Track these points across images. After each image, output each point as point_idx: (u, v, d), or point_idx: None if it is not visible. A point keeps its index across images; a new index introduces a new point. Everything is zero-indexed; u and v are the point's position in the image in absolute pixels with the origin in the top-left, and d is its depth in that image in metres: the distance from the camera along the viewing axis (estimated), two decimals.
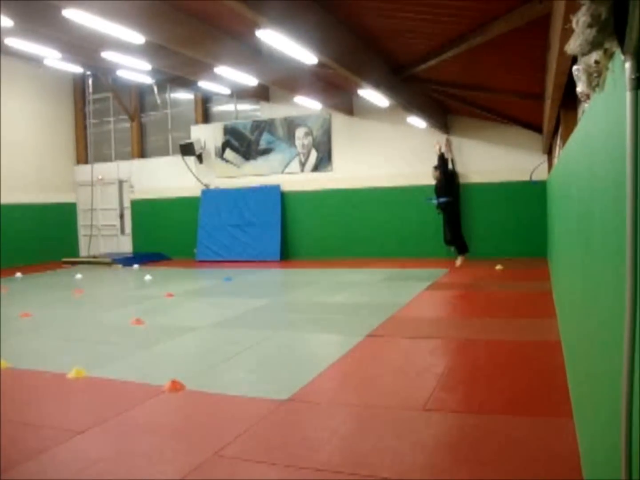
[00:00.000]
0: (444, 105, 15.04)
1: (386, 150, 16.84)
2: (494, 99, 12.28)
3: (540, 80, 8.78)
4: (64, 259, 19.00)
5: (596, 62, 2.08)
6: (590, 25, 1.83)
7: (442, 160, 11.66)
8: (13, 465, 3.91)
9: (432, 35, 8.41)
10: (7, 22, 9.10)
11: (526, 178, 15.23)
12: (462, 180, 16.11)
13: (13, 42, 11.86)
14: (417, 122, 14.76)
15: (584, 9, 1.86)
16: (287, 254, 17.71)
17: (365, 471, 3.65)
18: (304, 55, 8.36)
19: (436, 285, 11.48)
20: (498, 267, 13.56)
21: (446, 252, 16.12)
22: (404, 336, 7.34)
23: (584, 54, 2.08)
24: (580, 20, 1.89)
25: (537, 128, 13.99)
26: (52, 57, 14.01)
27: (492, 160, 15.76)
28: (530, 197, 15.21)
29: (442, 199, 11.45)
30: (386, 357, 6.55)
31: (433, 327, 7.86)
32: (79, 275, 15.18)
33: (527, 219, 15.34)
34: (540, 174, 14.93)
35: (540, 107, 10.61)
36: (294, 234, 17.90)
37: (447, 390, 5.21)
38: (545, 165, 15.03)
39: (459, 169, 16.11)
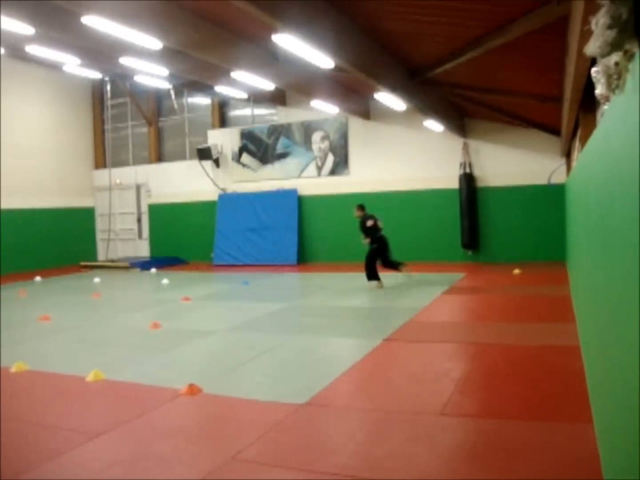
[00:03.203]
0: (461, 109, 14.98)
1: (403, 154, 16.80)
2: (511, 101, 12.21)
3: (559, 83, 8.72)
4: (83, 263, 19.17)
5: (616, 63, 2.05)
6: (610, 27, 1.81)
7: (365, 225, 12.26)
8: (32, 467, 3.94)
9: (449, 38, 8.38)
10: (28, 29, 9.21)
11: (544, 181, 15.14)
12: (479, 183, 16.03)
13: (34, 49, 12.00)
14: (433, 125, 14.71)
15: (603, 10, 1.84)
16: (304, 258, 17.72)
17: (382, 476, 3.63)
18: (321, 59, 8.36)
19: (453, 290, 11.42)
20: (516, 271, 13.46)
21: (463, 256, 16.05)
22: (420, 340, 7.30)
23: (603, 56, 2.06)
24: (600, 21, 1.87)
25: (555, 131, 13.90)
26: (72, 64, 14.15)
27: (509, 163, 15.66)
28: (548, 200, 15.09)
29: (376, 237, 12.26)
30: (403, 361, 6.52)
31: (450, 332, 7.82)
32: (97, 279, 15.29)
33: (545, 222, 15.22)
34: (559, 177, 14.83)
35: (558, 109, 10.54)
36: (311, 237, 17.90)
37: (465, 395, 5.18)
38: (564, 168, 14.91)
39: (477, 172, 16.04)
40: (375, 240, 12.21)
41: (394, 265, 12.53)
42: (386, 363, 6.46)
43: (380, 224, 12.28)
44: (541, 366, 5.98)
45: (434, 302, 10.05)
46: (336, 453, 4.03)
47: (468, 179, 15.86)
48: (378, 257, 12.27)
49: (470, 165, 16.02)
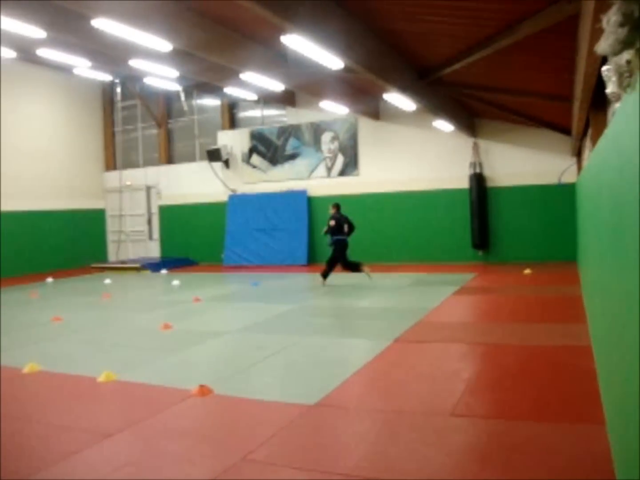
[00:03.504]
0: (471, 108, 14.95)
1: (413, 154, 16.78)
2: (521, 101, 12.18)
3: (569, 82, 8.69)
4: (93, 264, 19.26)
5: (627, 61, 2.04)
6: (622, 24, 1.80)
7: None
8: (46, 467, 3.96)
9: (459, 37, 8.37)
10: (40, 33, 9.28)
11: (554, 181, 15.08)
12: (489, 183, 15.99)
13: (45, 52, 12.08)
14: (443, 125, 14.68)
15: (615, 7, 1.83)
16: (314, 259, 17.72)
17: (393, 476, 3.62)
18: (330, 60, 8.37)
19: (464, 290, 11.39)
20: (527, 271, 13.42)
21: (473, 256, 16.01)
22: (431, 341, 7.29)
23: (614, 54, 2.05)
24: (611, 19, 1.86)
25: (565, 130, 13.84)
26: (82, 66, 14.22)
27: (519, 163, 15.61)
28: (559, 200, 15.03)
29: (335, 238, 12.84)
30: (414, 362, 6.50)
31: (461, 332, 7.80)
32: (107, 280, 15.36)
33: (555, 222, 15.16)
34: (569, 177, 14.77)
35: (569, 108, 10.49)
36: (321, 238, 17.85)
37: (476, 396, 5.16)
38: (574, 167, 14.85)
39: (487, 172, 16.00)
40: (333, 242, 12.80)
41: (353, 266, 12.94)
42: (397, 364, 6.45)
43: (345, 228, 12.84)
44: (552, 366, 5.95)
45: (445, 303, 10.02)
46: (347, 454, 4.02)
47: (478, 179, 15.81)
48: (338, 260, 12.82)
49: (480, 165, 15.98)
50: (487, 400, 5.09)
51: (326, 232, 12.85)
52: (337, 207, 13.09)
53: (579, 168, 13.79)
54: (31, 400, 5.60)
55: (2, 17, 8.44)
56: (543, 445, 4.00)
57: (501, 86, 11.30)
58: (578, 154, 14.19)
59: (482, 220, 15.82)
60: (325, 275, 12.72)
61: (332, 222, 12.68)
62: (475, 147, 16.01)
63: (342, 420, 4.78)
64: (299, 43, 7.59)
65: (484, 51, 8.22)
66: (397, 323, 8.33)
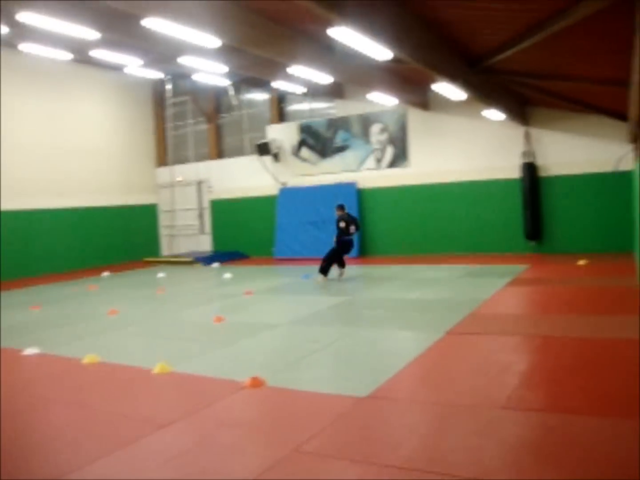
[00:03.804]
0: (522, 96, 14.64)
1: (463, 144, 16.56)
2: (575, 87, 11.86)
3: (626, 65, 8.40)
4: (147, 258, 19.66)
5: None
6: None
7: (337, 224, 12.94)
8: (105, 454, 4.09)
9: (509, 24, 8.18)
10: (94, 34, 9.51)
11: (610, 169, 14.65)
12: (542, 172, 15.64)
13: (98, 53, 12.37)
14: (494, 114, 14.43)
15: None
16: (364, 251, 17.70)
17: (446, 469, 3.60)
18: (378, 51, 8.31)
19: (517, 281, 11.21)
20: (581, 262, 13.11)
21: (526, 247, 15.73)
22: (484, 333, 7.20)
23: None
24: None
25: (622, 116, 13.42)
26: (133, 65, 14.49)
27: (574, 151, 15.22)
28: (615, 188, 14.61)
29: (343, 238, 12.87)
30: (466, 354, 6.44)
31: (514, 324, 7.68)
32: (161, 274, 15.66)
33: (612, 211, 14.74)
34: (626, 164, 14.34)
35: (625, 93, 10.17)
36: (372, 230, 17.86)
37: (529, 389, 5.09)
38: (631, 154, 14.41)
39: (539, 161, 15.66)
40: (340, 242, 12.87)
41: (341, 264, 13.07)
42: (449, 356, 6.40)
43: (352, 229, 12.93)
44: (608, 360, 5.81)
45: (497, 294, 9.89)
46: (399, 446, 4.02)
47: (530, 168, 15.50)
48: (337, 258, 12.94)
49: (532, 154, 15.66)
50: (541, 394, 5.01)
51: (338, 239, 12.85)
52: (342, 208, 13.15)
53: (637, 155, 13.38)
54: (90, 390, 5.78)
55: (59, 20, 8.68)
56: (599, 441, 3.92)
57: (553, 72, 11.03)
58: (635, 140, 13.76)
59: (534, 211, 15.51)
60: (325, 272, 12.74)
61: (343, 224, 12.77)
62: (527, 136, 15.68)
63: (394, 412, 4.78)
64: (346, 35, 7.56)
65: (536, 37, 8.02)
66: (449, 315, 8.26)
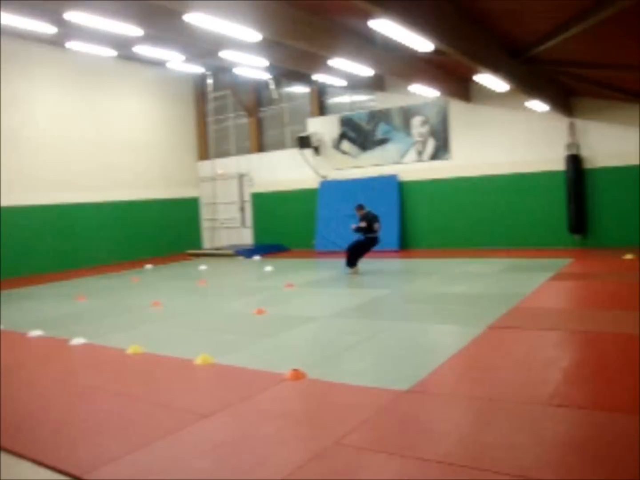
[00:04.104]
0: (567, 87, 14.35)
1: (505, 136, 16.32)
2: (621, 75, 11.56)
3: None
4: (189, 251, 19.91)
5: None
6: None
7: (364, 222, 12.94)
8: (148, 443, 4.17)
9: (553, 12, 8.01)
10: (137, 31, 9.67)
11: None
12: (587, 164, 15.32)
13: (141, 49, 12.56)
14: (537, 105, 14.18)
15: None
16: (405, 244, 17.61)
17: (487, 465, 3.58)
18: (420, 42, 8.25)
19: (560, 276, 11.02)
20: (627, 256, 12.81)
21: (570, 240, 15.44)
22: (526, 328, 7.11)
23: None
24: None
25: None
26: (175, 60, 14.66)
27: (621, 142, 14.84)
28: None
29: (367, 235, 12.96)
30: (508, 349, 6.37)
31: (557, 319, 7.56)
32: (203, 267, 15.84)
33: None
34: None
35: None
36: (413, 223, 17.75)
37: (573, 385, 5.01)
38: None
39: (585, 152, 15.33)
40: (367, 239, 12.94)
41: (354, 262, 13.04)
42: (491, 350, 6.34)
43: (376, 226, 12.96)
44: None
45: (540, 288, 9.74)
46: (440, 440, 4.01)
47: (575, 161, 15.19)
48: (363, 251, 13.05)
49: (577, 145, 15.34)
50: (585, 391, 4.92)
51: (356, 230, 12.96)
52: (362, 207, 13.21)
53: None
54: (135, 379, 5.89)
55: (104, 18, 8.86)
56: None
57: (599, 61, 10.77)
58: None
59: (579, 203, 15.21)
60: (354, 263, 12.86)
61: (364, 224, 12.81)
62: (572, 127, 15.36)
63: (435, 406, 4.76)
64: (387, 27, 7.52)
65: (582, 25, 7.84)
66: (491, 309, 8.18)
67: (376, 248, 16.91)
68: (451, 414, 4.56)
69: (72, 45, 13.06)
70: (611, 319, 7.32)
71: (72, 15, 8.64)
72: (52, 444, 4.31)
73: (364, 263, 13.05)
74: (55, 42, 15.36)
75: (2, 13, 9.21)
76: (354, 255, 12.93)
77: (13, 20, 9.54)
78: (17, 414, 4.99)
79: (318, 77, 14.87)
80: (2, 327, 8.81)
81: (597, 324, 7.08)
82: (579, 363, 5.69)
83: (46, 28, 10.27)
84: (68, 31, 11.70)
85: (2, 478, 3.90)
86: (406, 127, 17.80)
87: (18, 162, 15.88)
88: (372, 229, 12.86)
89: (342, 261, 14.18)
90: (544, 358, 5.81)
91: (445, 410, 4.67)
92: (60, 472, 3.84)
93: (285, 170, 19.93)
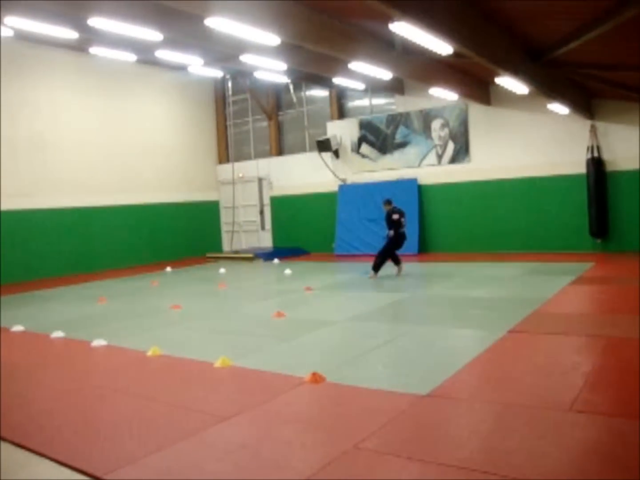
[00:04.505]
0: (588, 89, 14.22)
1: (526, 139, 16.21)
2: None
3: None
4: (208, 254, 20.02)
5: None
6: None
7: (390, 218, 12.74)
8: (167, 445, 4.19)
9: (574, 13, 7.93)
10: (158, 36, 9.76)
11: None
12: (609, 167, 15.17)
13: (161, 54, 12.67)
14: (558, 108, 14.08)
15: None
16: (425, 247, 17.55)
17: (507, 471, 3.54)
18: (439, 45, 8.22)
19: (581, 280, 10.91)
20: None
21: (591, 244, 15.29)
22: (547, 332, 7.04)
23: None
24: None
25: None
26: (195, 64, 14.77)
27: None
28: None
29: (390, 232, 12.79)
30: (529, 354, 6.31)
31: (579, 324, 7.48)
32: (222, 270, 15.90)
33: None
34: None
35: None
36: (432, 227, 17.69)
37: (596, 391, 4.95)
38: None
39: (606, 156, 15.18)
40: (399, 234, 12.73)
41: (396, 260, 12.99)
42: (511, 355, 6.29)
43: (404, 221, 12.80)
44: None
45: (561, 293, 9.65)
46: (459, 446, 3.98)
47: (596, 163, 15.04)
48: (391, 253, 12.88)
49: (598, 148, 15.20)
50: (608, 397, 4.86)
51: (392, 232, 12.74)
52: (390, 202, 13.10)
53: None
54: (154, 381, 5.93)
55: (125, 24, 8.95)
56: None
57: (621, 62, 10.64)
58: None
59: (600, 207, 15.05)
60: (378, 269, 12.78)
61: (396, 217, 12.69)
62: (593, 130, 15.22)
63: (455, 411, 4.73)
64: (407, 30, 7.51)
65: (604, 26, 7.75)
66: (511, 313, 8.11)
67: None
68: (471, 418, 4.53)
69: (93, 50, 13.22)
70: (633, 324, 7.21)
71: (94, 21, 8.74)
72: (72, 444, 4.35)
73: (384, 268, 13.00)
74: (77, 48, 15.54)
75: (24, 19, 9.33)
76: (384, 257, 12.82)
77: (36, 26, 9.66)
78: (39, 414, 5.04)
79: (337, 80, 14.88)
80: (24, 327, 8.92)
81: (618, 329, 7.00)
82: (600, 369, 5.62)
83: (68, 34, 10.40)
84: (90, 36, 11.82)
85: (24, 477, 3.94)
86: (426, 130, 17.75)
87: (42, 166, 16.11)
88: (400, 224, 12.76)
89: (362, 264, 14.18)
90: (565, 363, 5.75)
91: (464, 415, 4.64)
92: (80, 472, 3.87)
93: (305, 174, 19.95)
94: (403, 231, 12.90)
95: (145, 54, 13.87)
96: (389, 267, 13.11)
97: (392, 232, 12.72)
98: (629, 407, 4.55)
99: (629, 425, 4.19)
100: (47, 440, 4.42)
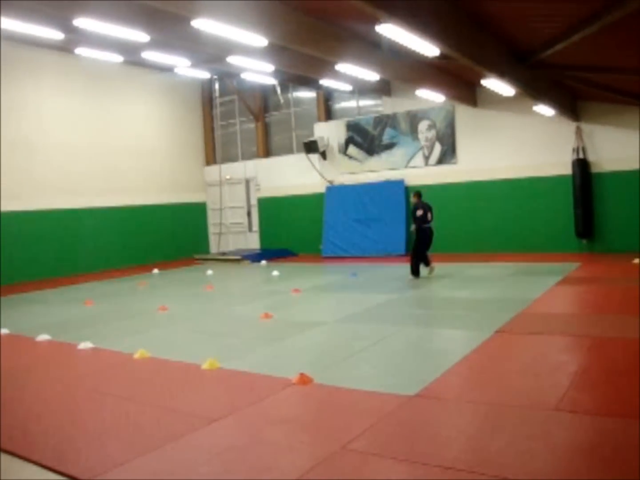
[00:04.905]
0: (574, 91, 14.32)
1: (512, 141, 16.30)
2: (628, 79, 11.52)
3: None
4: (196, 256, 19.95)
5: None
6: None
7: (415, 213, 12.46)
8: (156, 446, 4.18)
9: (559, 16, 7.99)
10: (144, 36, 9.72)
11: None
12: (594, 169, 15.28)
13: (148, 55, 12.62)
14: (544, 110, 14.17)
15: None
16: (412, 249, 17.55)
17: (495, 471, 3.56)
18: (426, 47, 8.25)
19: (567, 280, 10.98)
20: (636, 261, 12.75)
21: (577, 245, 15.39)
22: (534, 333, 7.08)
23: None
24: None
25: None
26: (182, 66, 14.73)
27: (628, 146, 14.78)
28: None
29: (422, 226, 12.42)
30: (515, 354, 6.35)
31: (565, 324, 7.53)
32: (209, 271, 15.86)
33: None
34: None
35: None
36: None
37: (582, 391, 4.98)
38: None
39: (591, 157, 15.30)
40: (420, 230, 12.45)
41: (425, 261, 12.64)
42: (498, 355, 6.32)
43: (430, 216, 12.52)
44: None
45: (547, 293, 9.71)
46: (447, 446, 3.99)
47: (582, 165, 15.15)
48: (421, 250, 12.52)
49: (584, 150, 15.31)
50: (594, 396, 4.90)
51: (416, 226, 12.45)
52: (419, 195, 12.77)
53: None
54: (141, 384, 5.90)
55: (111, 24, 8.91)
56: None
57: (606, 65, 10.73)
58: None
59: (586, 208, 15.16)
60: (417, 272, 12.44)
61: (420, 212, 12.38)
62: (579, 132, 15.34)
63: (442, 411, 4.74)
64: (393, 32, 7.52)
65: (589, 29, 7.80)
66: (497, 314, 8.15)
67: (383, 253, 16.90)
68: (459, 419, 4.55)
69: (80, 51, 13.14)
70: (619, 324, 7.28)
71: (80, 21, 8.69)
72: (59, 448, 4.32)
73: (372, 269, 13.00)
74: (63, 48, 15.44)
75: (10, 20, 9.26)
76: (416, 258, 12.49)
77: (21, 26, 9.59)
78: (25, 418, 5.00)
79: (324, 82, 14.89)
80: (9, 331, 8.84)
81: (605, 329, 7.05)
82: (587, 368, 5.66)
83: (54, 34, 10.34)
84: (76, 37, 11.75)
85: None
86: (413, 131, 17.80)
87: (27, 167, 15.97)
88: (426, 219, 12.47)
89: (349, 266, 14.18)
90: (552, 363, 5.79)
91: (452, 415, 4.65)
92: (67, 476, 3.84)
93: (292, 175, 19.95)
94: (427, 227, 12.50)
95: (132, 55, 13.83)
96: (370, 269, 13.11)
97: (413, 227, 12.54)
98: (614, 406, 4.59)
99: (614, 423, 4.22)
100: (33, 444, 4.39)
